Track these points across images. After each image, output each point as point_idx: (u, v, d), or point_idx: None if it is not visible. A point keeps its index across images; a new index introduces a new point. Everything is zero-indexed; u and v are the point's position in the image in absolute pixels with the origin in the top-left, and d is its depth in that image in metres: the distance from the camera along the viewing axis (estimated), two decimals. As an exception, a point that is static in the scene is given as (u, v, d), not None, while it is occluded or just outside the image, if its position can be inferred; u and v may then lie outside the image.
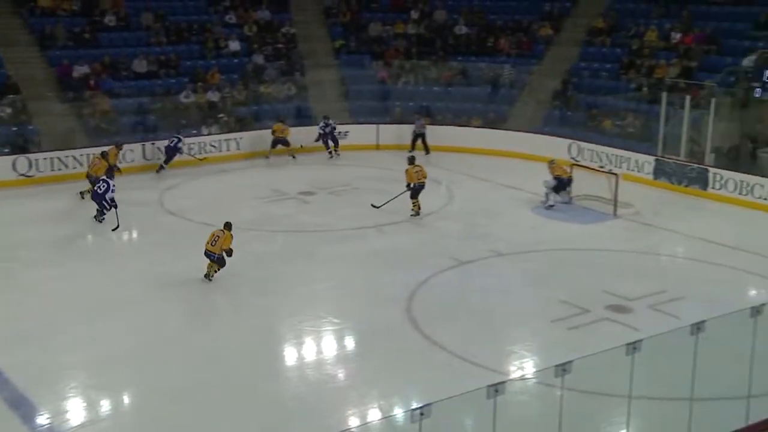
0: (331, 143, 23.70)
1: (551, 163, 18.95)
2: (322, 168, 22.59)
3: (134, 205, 18.99)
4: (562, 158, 20.71)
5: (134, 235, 17.98)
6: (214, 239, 14.36)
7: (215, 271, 14.41)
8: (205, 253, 14.34)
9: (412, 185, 17.93)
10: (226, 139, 23.48)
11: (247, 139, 23.69)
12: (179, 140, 22.04)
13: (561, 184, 18.68)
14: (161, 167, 21.91)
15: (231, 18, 27.33)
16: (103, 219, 17.51)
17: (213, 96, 24.49)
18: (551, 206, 18.54)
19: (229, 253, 14.35)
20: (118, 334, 12.34)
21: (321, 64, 27.02)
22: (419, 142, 24.24)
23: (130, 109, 23.66)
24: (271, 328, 12.72)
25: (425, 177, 18.06)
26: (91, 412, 10.30)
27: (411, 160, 18.59)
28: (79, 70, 23.69)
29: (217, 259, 14.33)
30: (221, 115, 24.24)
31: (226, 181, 21.57)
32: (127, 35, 25.67)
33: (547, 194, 18.64)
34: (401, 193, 18.05)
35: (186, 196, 20.09)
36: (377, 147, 24.55)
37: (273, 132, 23.16)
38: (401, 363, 11.50)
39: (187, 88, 24.31)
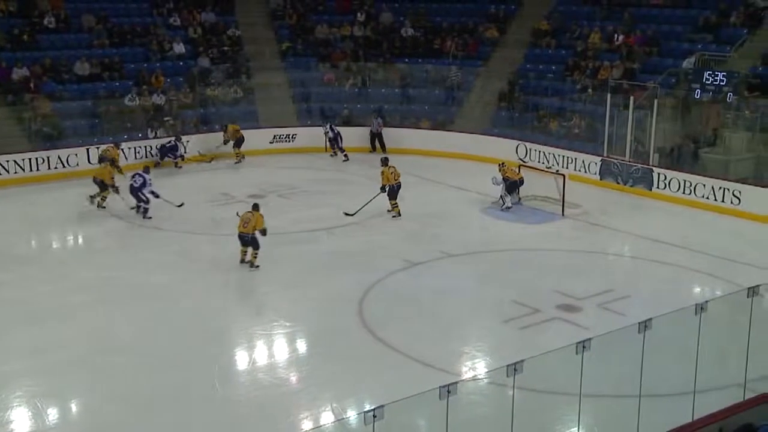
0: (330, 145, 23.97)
1: (502, 166, 19.09)
2: (270, 171, 22.42)
3: (82, 209, 18.73)
4: (512, 160, 20.92)
5: (81, 240, 17.69)
6: (245, 221, 14.75)
7: (254, 256, 14.78)
8: (239, 236, 14.83)
9: (388, 186, 17.98)
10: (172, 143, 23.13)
11: (194, 142, 23.42)
12: (174, 143, 22.46)
13: (513, 185, 18.83)
14: (157, 164, 22.19)
15: (175, 20, 26.98)
16: (143, 211, 17.88)
17: (158, 99, 24.14)
18: (508, 208, 18.65)
19: (263, 232, 14.77)
20: (65, 340, 12.11)
21: (267, 67, 26.85)
22: (377, 142, 24.40)
23: (73, 113, 23.18)
24: (223, 332, 12.58)
25: (400, 176, 18.15)
26: (38, 421, 10.04)
27: (385, 162, 18.52)
28: (19, 73, 23.14)
29: (251, 240, 14.75)
30: (167, 119, 23.91)
31: (173, 184, 21.19)
32: (68, 37, 25.16)
33: (502, 196, 18.72)
34: (375, 197, 18.08)
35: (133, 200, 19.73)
36: (326, 149, 24.48)
37: (236, 133, 23.23)
38: (354, 365, 11.48)
39: (131, 91, 23.91)
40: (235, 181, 21.39)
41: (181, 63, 25.90)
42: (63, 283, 14.41)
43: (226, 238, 16.95)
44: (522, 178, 18.89)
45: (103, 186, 18.60)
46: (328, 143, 24.29)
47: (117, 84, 24.34)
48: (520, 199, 19.04)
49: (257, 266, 14.87)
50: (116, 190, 18.63)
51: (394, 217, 18.06)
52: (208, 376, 11.09)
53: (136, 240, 16.85)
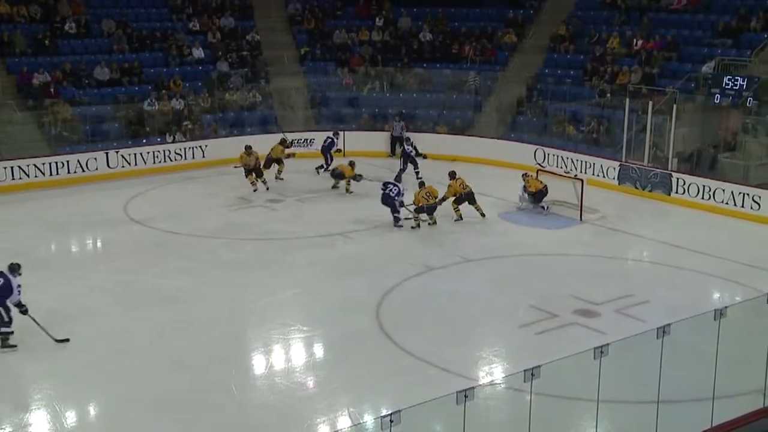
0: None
1: (525, 176, 18.93)
2: (288, 175, 22.43)
3: (98, 213, 18.88)
4: (531, 165, 20.87)
5: (99, 244, 17.81)
6: (426, 195, 17.46)
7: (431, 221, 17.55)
8: (425, 208, 17.47)
9: (457, 195, 18.15)
10: (191, 147, 23.28)
11: (212, 146, 23.52)
12: (332, 140, 22.57)
13: (540, 195, 18.70)
14: (322, 168, 22.31)
15: (194, 25, 27.15)
16: (400, 222, 17.80)
17: (177, 104, 24.29)
18: (548, 209, 18.63)
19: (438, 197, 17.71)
20: (84, 343, 12.15)
21: (286, 72, 26.96)
22: (397, 146, 23.91)
23: (93, 117, 23.38)
24: (240, 337, 12.61)
25: (467, 184, 18.21)
26: (56, 424, 10.10)
27: (452, 175, 18.43)
28: (39, 78, 23.35)
29: (429, 209, 17.56)
30: (186, 123, 24.04)
31: (191, 189, 21.38)
32: (88, 42, 25.39)
33: (539, 205, 18.70)
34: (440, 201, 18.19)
35: (151, 204, 19.90)
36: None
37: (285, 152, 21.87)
38: (371, 370, 11.47)
39: (151, 96, 24.07)
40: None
41: (200, 68, 26.08)
42: (81, 286, 14.50)
43: (243, 242, 17.10)
44: (546, 186, 18.74)
45: (342, 176, 20.28)
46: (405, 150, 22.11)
47: (136, 89, 24.53)
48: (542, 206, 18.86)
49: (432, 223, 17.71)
50: (358, 178, 20.24)
51: (456, 220, 18.16)
52: (225, 380, 11.12)
53: (153, 244, 16.88)
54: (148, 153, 22.53)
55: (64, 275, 15.11)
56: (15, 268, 12.03)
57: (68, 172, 21.34)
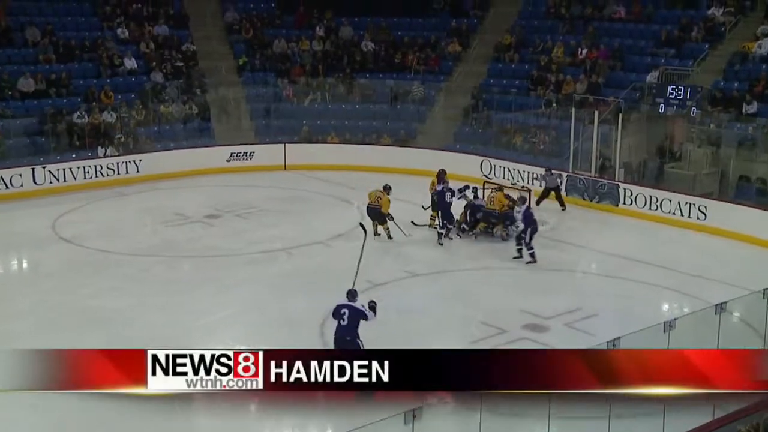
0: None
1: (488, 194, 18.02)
2: (227, 190, 21.82)
3: (25, 233, 18.00)
4: (478, 177, 20.52)
5: (26, 264, 17.08)
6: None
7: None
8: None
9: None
10: (124, 161, 22.38)
11: (147, 161, 22.65)
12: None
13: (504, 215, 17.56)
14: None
15: (124, 33, 26.19)
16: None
17: (109, 116, 23.35)
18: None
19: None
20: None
21: (224, 82, 26.28)
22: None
23: (17, 131, 22.34)
24: (174, 361, 11.93)
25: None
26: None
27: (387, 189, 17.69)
28: (-43, 90, 22.26)
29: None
30: (119, 136, 23.12)
31: (125, 205, 20.56)
32: (11, 52, 24.28)
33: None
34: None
35: (82, 222, 19.07)
36: (285, 167, 23.96)
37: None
38: (315, 391, 10.95)
39: (80, 108, 23.08)
40: (189, 201, 20.75)
41: (133, 79, 25.15)
42: (8, 310, 13.73)
43: (179, 259, 16.50)
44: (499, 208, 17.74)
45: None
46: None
47: (65, 101, 23.50)
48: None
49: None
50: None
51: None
52: (166, 404, 10.44)
53: (85, 263, 16.17)
54: (78, 168, 21.55)
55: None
56: (354, 294, 11.48)
57: (-9, 189, 20.31)
